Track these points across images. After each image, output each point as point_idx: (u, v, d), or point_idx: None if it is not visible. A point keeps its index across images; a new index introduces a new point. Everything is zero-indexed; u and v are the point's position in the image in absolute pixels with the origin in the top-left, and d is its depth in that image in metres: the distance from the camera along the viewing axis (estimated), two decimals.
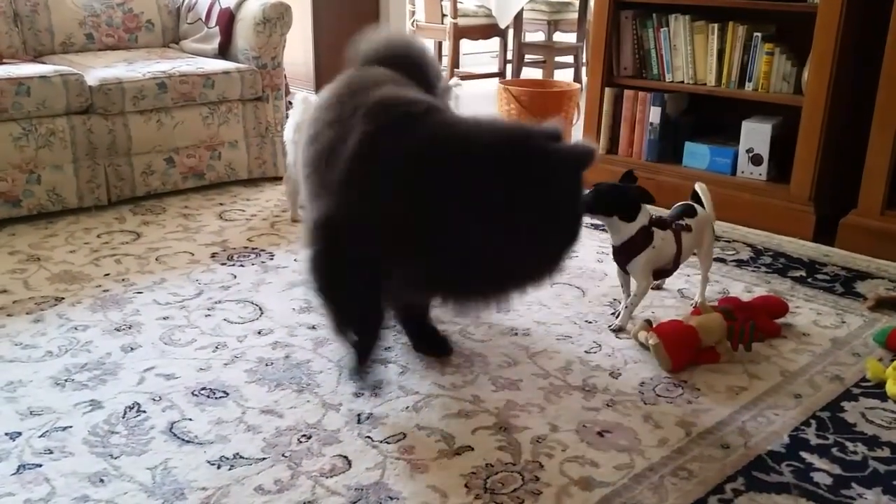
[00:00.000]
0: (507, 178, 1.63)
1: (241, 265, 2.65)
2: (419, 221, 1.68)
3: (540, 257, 1.74)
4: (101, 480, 1.59)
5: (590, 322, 2.31)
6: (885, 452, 1.73)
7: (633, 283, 2.24)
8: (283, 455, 1.68)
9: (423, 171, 1.67)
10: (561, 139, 1.70)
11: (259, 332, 2.20)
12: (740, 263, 2.77)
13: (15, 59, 3.27)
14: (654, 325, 2.14)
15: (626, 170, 2.26)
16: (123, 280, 2.53)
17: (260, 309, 2.34)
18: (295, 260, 2.69)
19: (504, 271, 1.73)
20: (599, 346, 2.17)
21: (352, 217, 1.74)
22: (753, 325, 2.14)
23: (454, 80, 3.34)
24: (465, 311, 1.89)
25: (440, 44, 6.27)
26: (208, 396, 1.90)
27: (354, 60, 2.06)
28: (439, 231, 1.67)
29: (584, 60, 5.85)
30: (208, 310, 2.35)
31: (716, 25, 3.18)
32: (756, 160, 3.17)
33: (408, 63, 2.02)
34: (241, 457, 1.67)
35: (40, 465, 1.64)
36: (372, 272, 1.80)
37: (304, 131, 1.93)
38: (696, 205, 2.35)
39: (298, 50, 4.85)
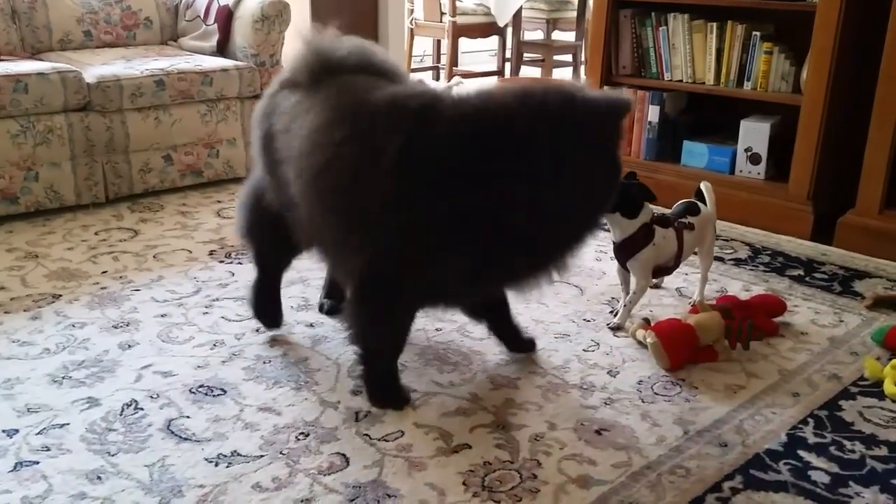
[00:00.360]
0: (552, 135, 1.60)
1: (240, 263, 2.65)
2: (482, 206, 1.65)
3: (587, 211, 1.73)
4: (99, 478, 1.59)
5: (588, 320, 2.31)
6: (883, 451, 1.74)
7: (633, 281, 2.24)
8: (280, 453, 1.68)
9: (475, 152, 1.63)
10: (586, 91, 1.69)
11: (257, 330, 2.20)
12: (738, 262, 2.77)
13: (13, 56, 3.27)
14: (652, 324, 2.14)
15: (627, 170, 2.26)
16: (121, 277, 2.53)
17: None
18: None
19: (559, 232, 1.72)
20: (598, 344, 2.17)
21: (419, 242, 1.70)
22: (751, 323, 2.14)
23: (456, 79, 3.34)
24: (526, 289, 1.83)
25: (439, 42, 6.27)
26: (206, 394, 1.89)
27: (311, 68, 1.89)
28: (500, 209, 1.64)
29: (583, 59, 5.85)
30: (206, 307, 2.34)
31: (714, 24, 3.18)
32: (754, 159, 3.17)
33: (375, 69, 1.92)
34: (238, 454, 1.67)
35: (37, 463, 1.63)
36: (426, 292, 1.81)
37: (305, 160, 1.78)
38: (699, 203, 2.35)
39: (297, 47, 4.85)
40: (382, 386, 1.89)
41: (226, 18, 3.58)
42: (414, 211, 1.67)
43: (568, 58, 6.15)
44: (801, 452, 1.72)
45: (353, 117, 1.75)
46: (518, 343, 2.11)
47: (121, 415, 1.80)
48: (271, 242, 2.10)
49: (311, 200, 1.80)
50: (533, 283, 1.79)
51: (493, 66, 6.22)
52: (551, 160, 1.62)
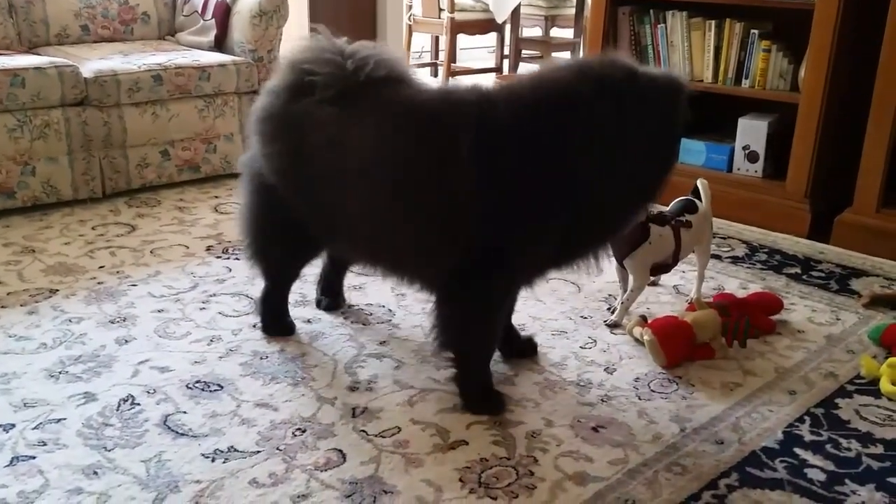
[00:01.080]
0: (614, 105, 1.65)
1: (237, 258, 2.65)
2: (554, 182, 1.68)
3: (647, 181, 1.77)
4: (95, 473, 1.59)
5: (585, 317, 2.31)
6: (879, 449, 1.74)
7: (630, 279, 2.24)
8: (277, 448, 1.68)
9: (540, 128, 1.67)
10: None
11: (254, 326, 2.20)
12: (735, 260, 2.77)
13: (9, 50, 3.26)
14: (649, 321, 2.14)
15: None
16: (118, 272, 2.52)
17: (255, 302, 2.33)
18: None
19: (621, 205, 1.77)
20: (595, 341, 2.17)
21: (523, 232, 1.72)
22: (748, 321, 2.15)
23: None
24: (583, 265, 1.86)
25: (437, 39, 6.27)
26: (203, 389, 1.89)
27: (345, 80, 1.84)
28: (570, 182, 1.68)
29: (581, 56, 5.84)
30: (203, 303, 2.34)
31: (713, 22, 3.18)
32: (752, 157, 3.17)
33: (401, 77, 1.90)
34: (235, 450, 1.67)
35: (34, 457, 1.63)
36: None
37: (379, 167, 1.76)
38: (696, 201, 2.35)
39: (295, 43, 4.84)
40: (481, 391, 1.87)
41: (224, 13, 3.58)
42: (496, 197, 1.69)
43: (566, 55, 6.14)
44: (798, 450, 1.72)
45: (423, 118, 1.77)
46: (520, 346, 2.09)
47: (117, 410, 1.80)
48: (287, 258, 2.09)
49: (387, 207, 1.78)
50: (597, 256, 1.84)
51: (492, 63, 6.22)
52: (612, 130, 1.65)
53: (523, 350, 2.09)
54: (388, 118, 1.79)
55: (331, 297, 2.32)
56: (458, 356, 1.87)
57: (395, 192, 1.76)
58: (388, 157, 1.76)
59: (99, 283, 2.45)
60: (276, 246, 2.06)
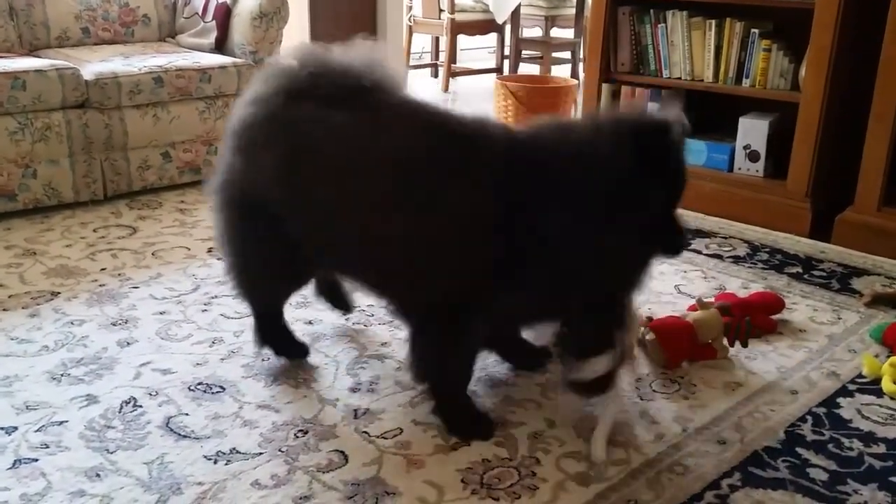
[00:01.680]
0: (631, 166, 1.60)
1: None
2: (569, 232, 1.61)
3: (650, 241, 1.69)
4: (98, 475, 1.59)
5: None
6: (881, 448, 1.74)
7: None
8: (279, 450, 1.68)
9: (575, 180, 1.60)
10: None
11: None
12: (737, 260, 2.77)
13: (10, 53, 3.26)
14: (651, 321, 2.14)
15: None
16: (119, 275, 2.53)
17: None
18: None
19: (637, 255, 1.70)
20: None
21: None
22: (749, 321, 2.14)
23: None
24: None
25: (437, 39, 6.27)
26: (205, 391, 1.89)
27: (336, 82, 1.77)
28: (591, 237, 1.60)
29: (582, 56, 5.84)
30: (205, 305, 2.34)
31: (713, 21, 3.18)
32: (753, 156, 3.17)
33: (388, 83, 1.79)
34: (237, 452, 1.67)
35: (36, 460, 1.63)
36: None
37: (390, 174, 1.67)
38: None
39: (296, 44, 4.84)
40: (466, 417, 1.79)
41: (224, 15, 3.58)
42: (508, 232, 1.62)
43: (566, 55, 6.15)
44: (800, 450, 1.72)
45: (456, 141, 1.69)
46: (532, 360, 2.04)
47: (119, 412, 1.80)
48: (283, 278, 1.95)
49: (392, 224, 1.67)
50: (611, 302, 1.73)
51: (492, 64, 6.22)
52: (626, 182, 1.59)
53: (535, 363, 2.03)
54: (414, 132, 1.71)
55: (335, 300, 2.26)
56: (433, 388, 1.81)
57: (405, 207, 1.66)
58: (404, 168, 1.66)
59: (100, 285, 2.45)
60: (268, 269, 1.90)
